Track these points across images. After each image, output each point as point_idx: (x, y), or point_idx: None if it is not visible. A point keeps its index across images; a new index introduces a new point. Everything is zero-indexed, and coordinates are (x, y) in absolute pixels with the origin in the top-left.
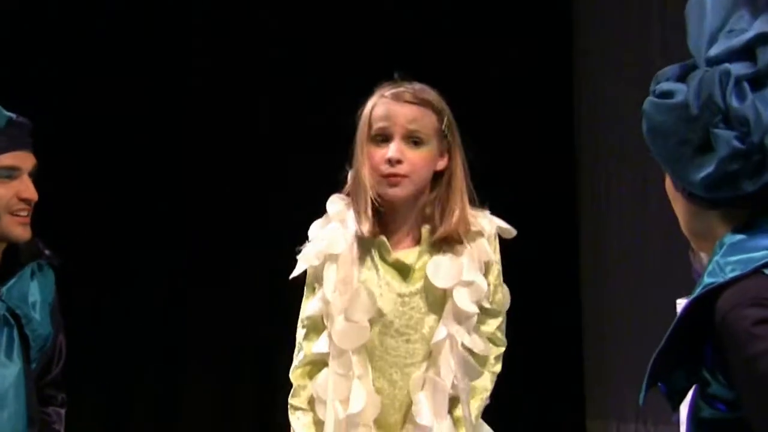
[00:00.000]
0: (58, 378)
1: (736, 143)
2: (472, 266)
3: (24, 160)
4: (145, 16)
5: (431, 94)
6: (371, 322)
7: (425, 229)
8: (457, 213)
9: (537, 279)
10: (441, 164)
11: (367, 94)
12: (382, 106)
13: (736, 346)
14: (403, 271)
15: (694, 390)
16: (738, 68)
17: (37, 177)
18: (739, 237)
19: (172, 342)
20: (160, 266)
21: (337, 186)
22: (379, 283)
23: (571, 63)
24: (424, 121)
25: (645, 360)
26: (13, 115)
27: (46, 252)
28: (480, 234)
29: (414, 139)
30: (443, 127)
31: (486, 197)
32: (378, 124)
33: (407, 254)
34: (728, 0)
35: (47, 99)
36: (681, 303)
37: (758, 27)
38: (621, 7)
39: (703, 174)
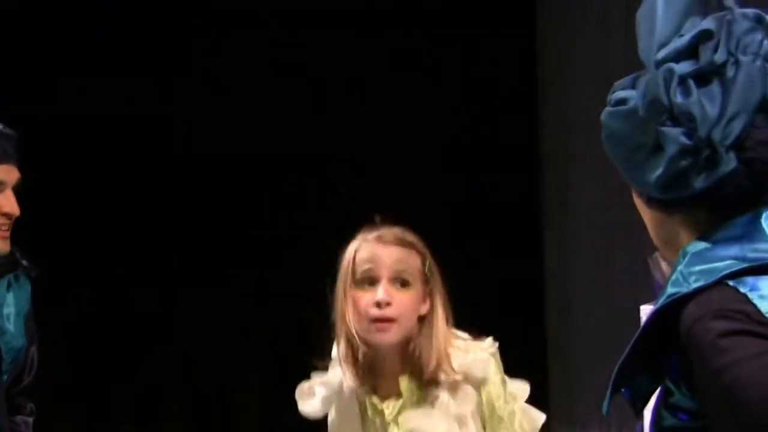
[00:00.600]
0: (28, 387)
1: (684, 139)
2: (441, 421)
3: (9, 173)
4: (129, 21)
5: (413, 237)
6: None
7: (403, 380)
8: (433, 362)
9: (501, 284)
10: (423, 309)
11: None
12: (366, 248)
13: (701, 359)
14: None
15: (657, 398)
16: (682, 67)
17: (19, 189)
18: (702, 246)
19: (157, 348)
20: (146, 270)
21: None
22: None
23: (534, 66)
24: (409, 262)
25: (609, 365)
26: (0, 126)
27: (24, 263)
28: (465, 381)
29: (401, 281)
30: (426, 269)
31: (450, 202)
32: (363, 267)
33: (391, 406)
34: (680, 7)
35: (33, 104)
36: (645, 309)
37: (702, 25)
38: (584, 13)
39: (655, 175)
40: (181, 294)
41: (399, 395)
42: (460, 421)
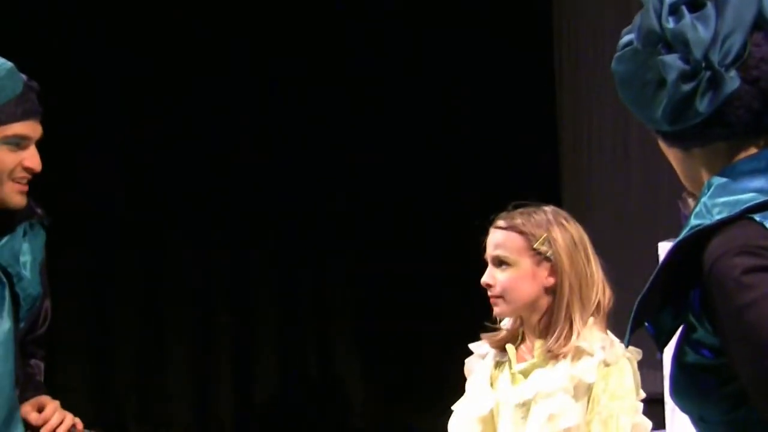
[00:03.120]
0: (41, 337)
1: (680, 63)
2: (561, 385)
3: (35, 129)
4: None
5: (525, 217)
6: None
7: (537, 344)
8: (558, 330)
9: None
10: (549, 281)
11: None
12: (487, 235)
13: (724, 296)
14: (518, 381)
15: (680, 334)
16: None
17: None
18: (726, 178)
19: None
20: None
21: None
22: (504, 395)
23: (551, 22)
24: (507, 244)
25: (626, 302)
26: (25, 78)
27: (38, 211)
28: (587, 354)
29: (500, 262)
30: (534, 245)
31: (472, 146)
32: (485, 252)
33: (524, 366)
34: None
35: None
36: (663, 246)
37: None
38: None
39: (662, 107)
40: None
41: (532, 357)
42: (577, 385)
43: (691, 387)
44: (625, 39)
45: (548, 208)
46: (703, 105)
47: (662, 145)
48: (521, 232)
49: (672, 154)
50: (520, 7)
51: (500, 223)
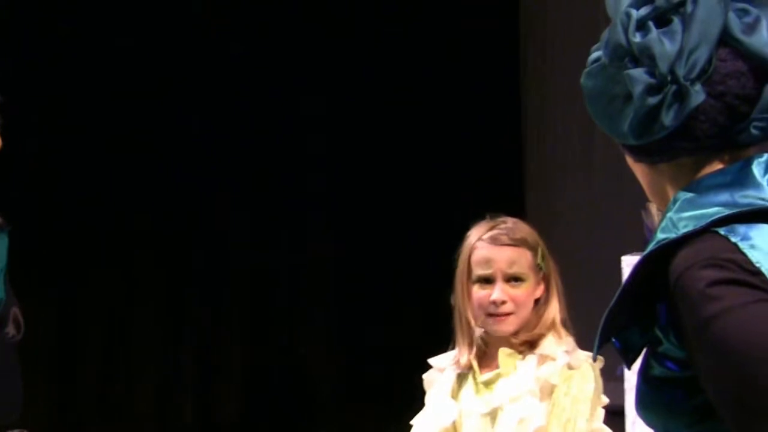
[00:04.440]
0: (14, 342)
1: (646, 77)
2: (527, 388)
3: None
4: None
5: (524, 231)
6: None
7: (502, 353)
8: (539, 331)
9: None
10: (538, 293)
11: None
12: (480, 250)
13: (690, 308)
14: (483, 392)
15: (646, 348)
16: (641, 11)
17: None
18: (693, 193)
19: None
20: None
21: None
22: (468, 406)
23: (517, 22)
24: (521, 261)
25: (589, 316)
26: None
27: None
28: (551, 359)
29: (514, 279)
30: (538, 260)
31: (432, 154)
32: (479, 271)
33: (490, 376)
34: None
35: None
36: (626, 260)
37: None
38: None
39: (628, 121)
40: None
41: (498, 367)
42: (542, 387)
43: (657, 400)
44: (594, 55)
45: (516, 219)
46: (668, 118)
47: (629, 160)
48: (530, 248)
49: (638, 169)
50: (486, 20)
51: (505, 239)
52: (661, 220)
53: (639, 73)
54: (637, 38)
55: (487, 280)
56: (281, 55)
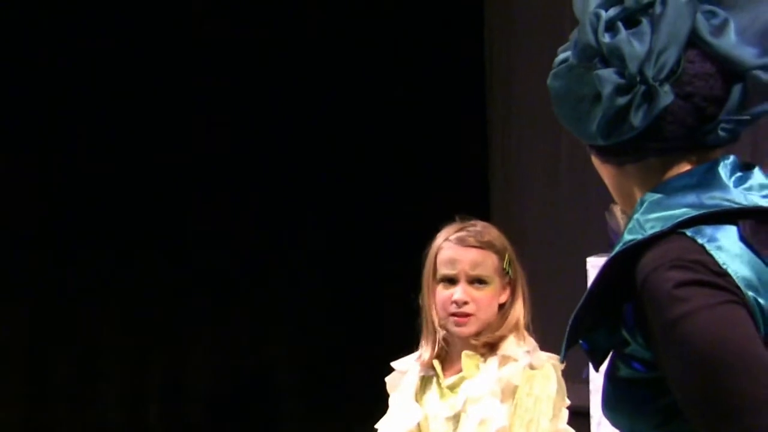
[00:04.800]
0: None
1: (616, 77)
2: (488, 389)
3: None
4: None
5: (492, 234)
6: None
7: (466, 356)
8: (501, 334)
9: None
10: (503, 297)
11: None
12: (446, 250)
13: (657, 309)
14: (447, 396)
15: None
16: (610, 12)
17: None
18: (660, 194)
19: None
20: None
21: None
22: (433, 410)
23: (482, 27)
24: (486, 263)
25: (554, 318)
26: None
27: None
28: (513, 360)
29: (478, 281)
30: (504, 265)
31: (399, 158)
32: (443, 270)
33: (454, 380)
34: None
35: None
36: (591, 261)
37: None
38: None
39: (596, 121)
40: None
41: (461, 370)
42: (504, 388)
43: (624, 401)
44: (561, 56)
45: (487, 224)
46: (637, 119)
47: (595, 161)
48: (497, 252)
49: (605, 171)
50: (452, 24)
51: (471, 240)
52: (628, 222)
53: (608, 74)
54: (606, 39)
55: (451, 281)
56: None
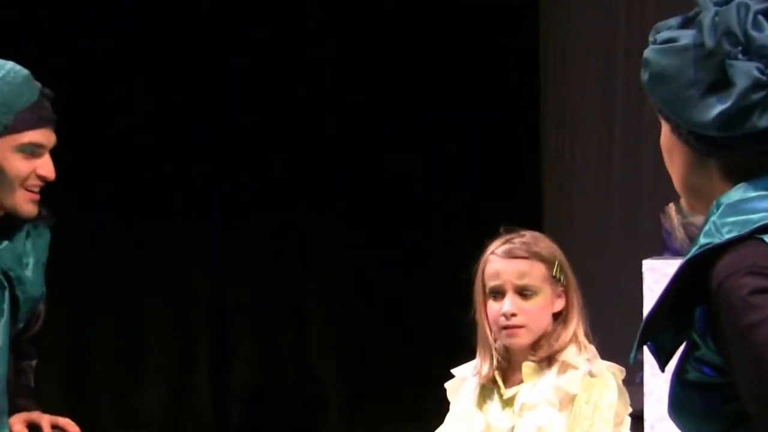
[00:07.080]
0: (36, 336)
1: (757, 74)
2: (545, 397)
3: (49, 137)
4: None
5: (539, 243)
6: None
7: (526, 367)
8: (560, 346)
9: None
10: (558, 305)
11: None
12: (492, 263)
13: (731, 315)
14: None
15: (681, 351)
16: (757, 5)
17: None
18: (736, 198)
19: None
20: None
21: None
22: (494, 420)
23: (537, 25)
24: (533, 273)
25: (611, 319)
26: (40, 85)
27: (42, 212)
28: (572, 367)
29: (525, 292)
30: (554, 273)
31: (452, 158)
32: (491, 283)
33: (513, 390)
34: None
35: None
36: (647, 264)
37: None
38: None
39: (717, 111)
40: None
41: (521, 381)
42: (561, 396)
43: (691, 405)
44: (668, 34)
45: (537, 233)
46: (763, 119)
47: (672, 146)
48: (544, 260)
49: (682, 159)
50: (507, 25)
51: (516, 251)
52: (704, 224)
53: (750, 68)
54: (754, 33)
55: (500, 293)
56: (285, 56)
